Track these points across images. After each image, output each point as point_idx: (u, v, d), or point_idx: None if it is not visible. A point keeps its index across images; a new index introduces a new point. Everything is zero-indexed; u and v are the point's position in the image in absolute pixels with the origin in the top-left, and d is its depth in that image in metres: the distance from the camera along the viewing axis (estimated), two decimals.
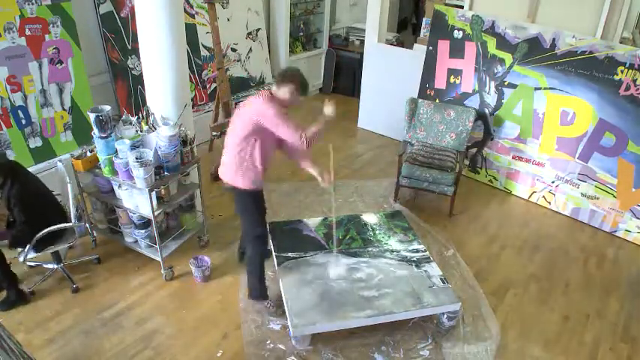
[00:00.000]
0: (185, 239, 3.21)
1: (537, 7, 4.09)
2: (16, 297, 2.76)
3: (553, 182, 3.96)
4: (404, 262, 2.97)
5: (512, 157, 4.13)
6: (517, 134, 4.06)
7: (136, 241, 3.12)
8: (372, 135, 5.33)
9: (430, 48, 4.27)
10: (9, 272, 2.75)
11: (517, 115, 4.01)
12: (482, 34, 3.95)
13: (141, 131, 2.92)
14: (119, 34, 4.08)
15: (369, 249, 3.08)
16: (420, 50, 4.55)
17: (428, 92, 4.39)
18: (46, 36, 3.53)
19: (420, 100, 4.13)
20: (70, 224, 2.78)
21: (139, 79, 4.16)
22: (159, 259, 2.97)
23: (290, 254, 2.99)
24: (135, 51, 4.15)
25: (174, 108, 3.01)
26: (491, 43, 3.94)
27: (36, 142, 3.61)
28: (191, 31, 4.62)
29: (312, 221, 3.35)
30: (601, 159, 3.67)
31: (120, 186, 2.87)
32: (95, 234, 3.29)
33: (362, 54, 5.37)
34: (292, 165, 4.56)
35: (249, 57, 5.36)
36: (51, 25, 3.54)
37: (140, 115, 3.05)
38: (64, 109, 3.75)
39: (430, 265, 2.95)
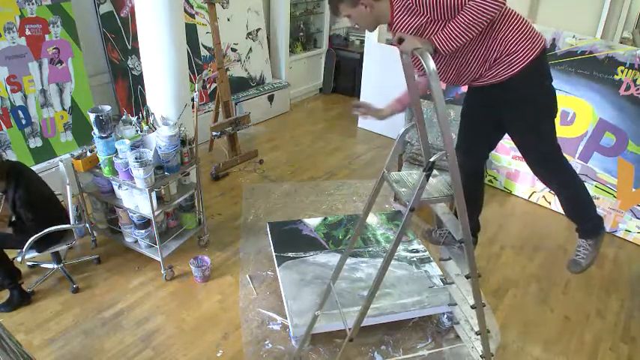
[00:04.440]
0: (185, 239, 3.21)
1: (537, 7, 4.10)
2: (19, 297, 2.76)
3: None
4: (404, 262, 2.97)
5: (512, 157, 4.13)
6: None
7: (136, 241, 3.12)
8: (372, 135, 5.34)
9: None
10: (13, 272, 2.75)
11: None
12: None
13: (141, 131, 2.92)
14: (119, 34, 4.08)
15: (369, 249, 3.08)
16: None
17: (428, 92, 4.38)
18: (46, 36, 3.54)
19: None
20: (70, 225, 2.79)
21: (139, 79, 4.16)
22: (159, 259, 2.97)
23: (290, 254, 2.99)
24: (135, 51, 4.15)
25: (174, 108, 3.02)
26: None
27: (36, 142, 3.62)
28: (191, 31, 4.62)
29: (312, 221, 3.35)
30: (601, 159, 3.67)
31: (120, 186, 2.87)
32: (95, 234, 3.29)
33: (362, 54, 5.38)
34: (292, 165, 4.58)
35: (249, 57, 5.37)
36: (51, 25, 3.54)
37: (140, 115, 3.05)
38: (64, 109, 3.75)
39: (430, 265, 2.95)
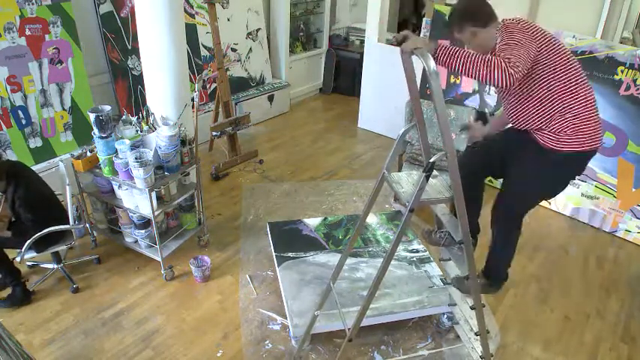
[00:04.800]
0: (185, 239, 3.21)
1: (537, 7, 4.09)
2: (22, 294, 2.77)
3: None
4: (404, 262, 2.97)
5: None
6: None
7: (136, 241, 3.12)
8: (372, 135, 5.34)
9: None
10: (14, 269, 2.76)
11: None
12: None
13: (141, 131, 2.92)
14: (119, 34, 4.08)
15: (369, 249, 3.08)
16: None
17: (428, 92, 4.39)
18: (46, 36, 3.54)
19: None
20: (69, 226, 2.79)
21: (139, 79, 4.16)
22: (159, 259, 2.97)
23: (290, 254, 2.99)
24: (135, 51, 4.15)
25: (174, 108, 3.01)
26: None
27: (36, 142, 3.62)
28: (191, 31, 4.62)
29: (312, 221, 3.35)
30: (601, 159, 3.66)
31: (120, 186, 2.87)
32: (95, 234, 3.29)
33: (362, 54, 5.37)
34: (292, 165, 4.58)
35: (249, 57, 5.37)
36: (51, 25, 3.54)
37: (140, 115, 3.05)
38: (64, 109, 3.75)
39: (430, 265, 2.95)
